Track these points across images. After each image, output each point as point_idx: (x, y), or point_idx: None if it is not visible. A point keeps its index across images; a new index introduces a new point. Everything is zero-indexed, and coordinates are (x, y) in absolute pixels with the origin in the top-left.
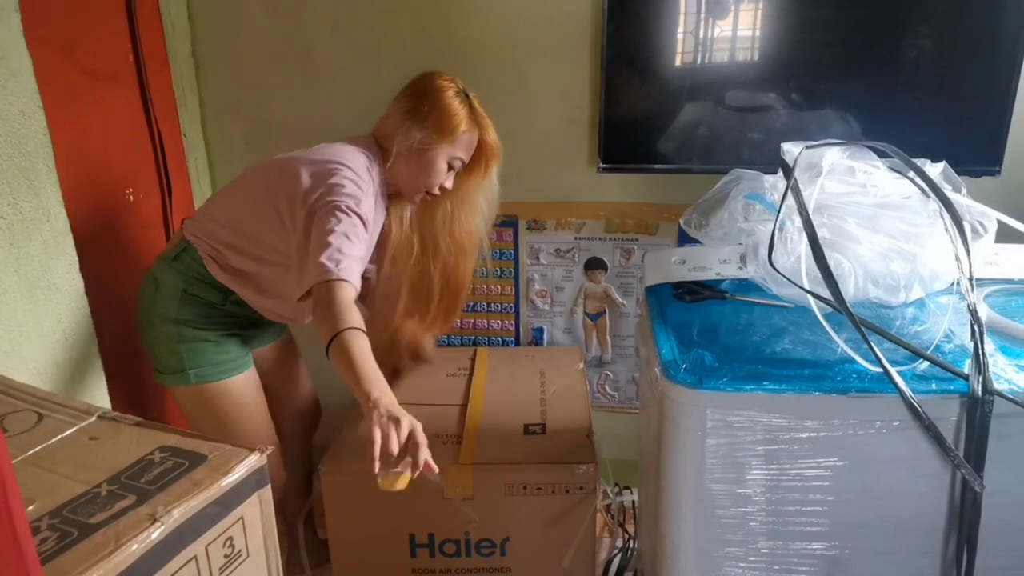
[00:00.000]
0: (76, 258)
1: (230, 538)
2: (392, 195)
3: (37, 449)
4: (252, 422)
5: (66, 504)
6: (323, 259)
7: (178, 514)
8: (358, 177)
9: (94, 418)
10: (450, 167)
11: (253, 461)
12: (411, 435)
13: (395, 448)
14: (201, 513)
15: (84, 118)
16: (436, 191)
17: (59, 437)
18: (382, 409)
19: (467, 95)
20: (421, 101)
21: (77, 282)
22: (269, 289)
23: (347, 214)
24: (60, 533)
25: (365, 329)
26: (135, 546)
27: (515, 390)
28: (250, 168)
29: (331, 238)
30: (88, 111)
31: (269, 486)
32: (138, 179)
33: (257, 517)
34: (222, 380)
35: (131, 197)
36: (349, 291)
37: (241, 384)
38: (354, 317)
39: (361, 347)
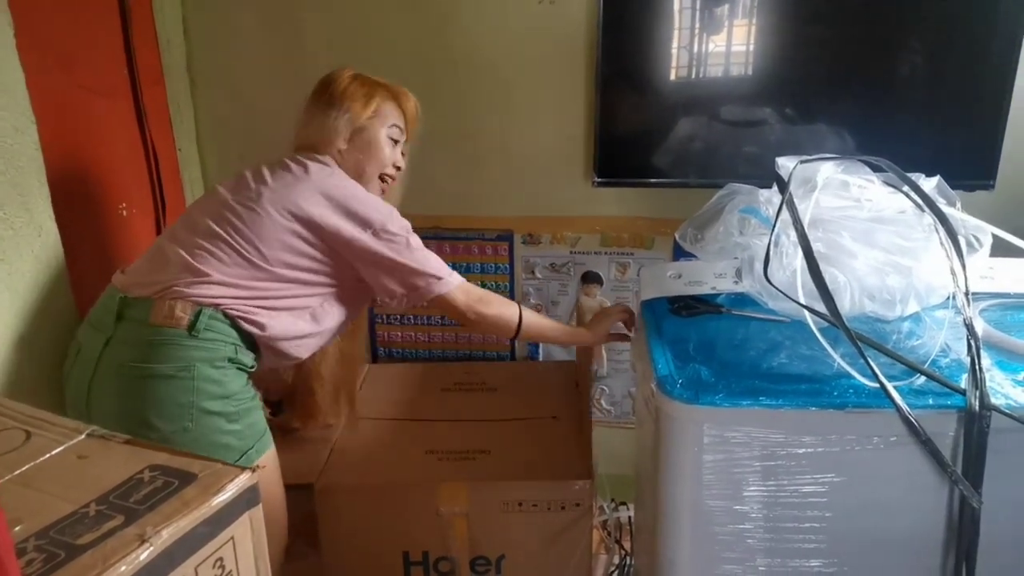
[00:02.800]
0: (67, 274)
1: (220, 559)
2: None
3: (25, 468)
4: (282, 491)
5: (53, 524)
6: (433, 271)
7: (167, 535)
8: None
9: (83, 436)
10: (394, 141)
11: (244, 480)
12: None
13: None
14: (191, 533)
15: (78, 133)
16: (391, 169)
17: (47, 456)
18: (603, 334)
19: (363, 75)
20: (330, 91)
21: (68, 298)
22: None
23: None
24: (47, 555)
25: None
26: (123, 568)
27: (510, 405)
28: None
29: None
30: (82, 126)
31: (260, 506)
32: (132, 194)
33: (248, 537)
34: (271, 447)
35: (124, 212)
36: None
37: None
38: (506, 303)
39: (539, 322)
